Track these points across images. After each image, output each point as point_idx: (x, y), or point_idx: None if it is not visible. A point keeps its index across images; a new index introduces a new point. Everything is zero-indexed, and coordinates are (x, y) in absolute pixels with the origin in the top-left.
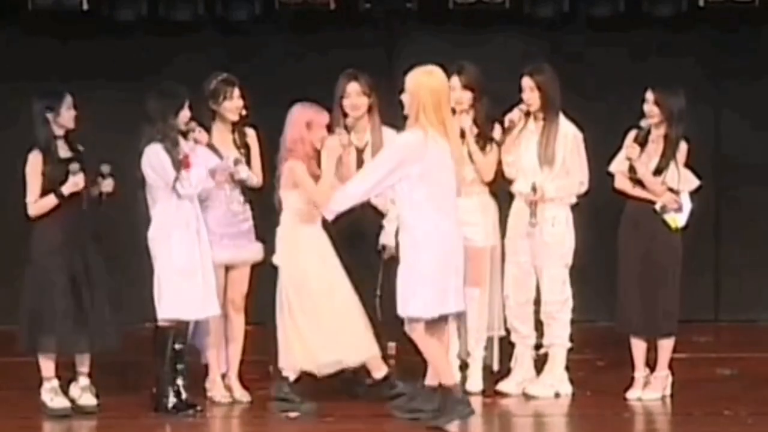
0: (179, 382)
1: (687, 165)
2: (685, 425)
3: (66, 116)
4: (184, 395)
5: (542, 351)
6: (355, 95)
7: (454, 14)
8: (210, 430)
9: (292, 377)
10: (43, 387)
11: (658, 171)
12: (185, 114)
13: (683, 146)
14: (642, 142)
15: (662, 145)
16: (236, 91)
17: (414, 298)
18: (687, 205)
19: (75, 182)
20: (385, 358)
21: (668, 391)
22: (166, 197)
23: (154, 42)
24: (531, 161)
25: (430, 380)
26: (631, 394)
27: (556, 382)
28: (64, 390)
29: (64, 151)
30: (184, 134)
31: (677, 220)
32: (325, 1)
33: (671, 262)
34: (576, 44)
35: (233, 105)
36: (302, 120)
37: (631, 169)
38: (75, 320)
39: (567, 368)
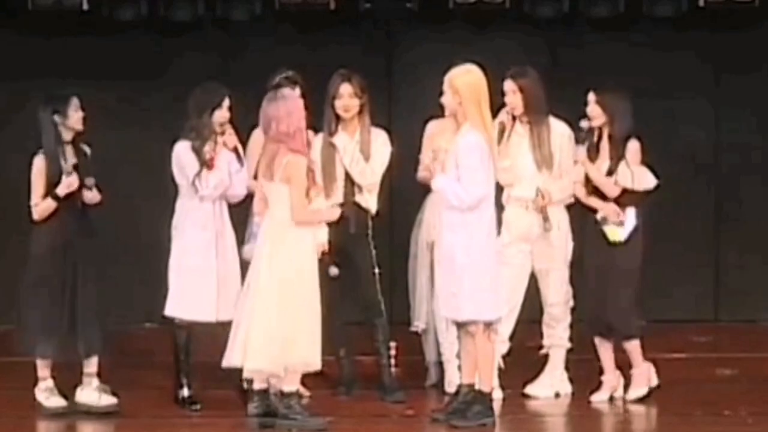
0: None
1: (646, 164)
2: (685, 425)
3: (74, 118)
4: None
5: (542, 352)
6: (347, 96)
7: (454, 14)
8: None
9: (293, 388)
10: (37, 387)
11: (610, 172)
12: (222, 114)
13: (632, 145)
14: (583, 142)
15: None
16: (296, 91)
17: (490, 300)
18: (630, 221)
19: (69, 183)
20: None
21: (654, 382)
22: (189, 195)
23: (154, 42)
24: (527, 165)
25: (467, 380)
26: (597, 397)
27: (556, 382)
28: (60, 389)
29: (70, 156)
30: (222, 134)
31: (617, 233)
32: (325, 1)
33: (630, 265)
34: (576, 44)
35: None
36: (300, 111)
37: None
38: (69, 324)
39: (567, 368)
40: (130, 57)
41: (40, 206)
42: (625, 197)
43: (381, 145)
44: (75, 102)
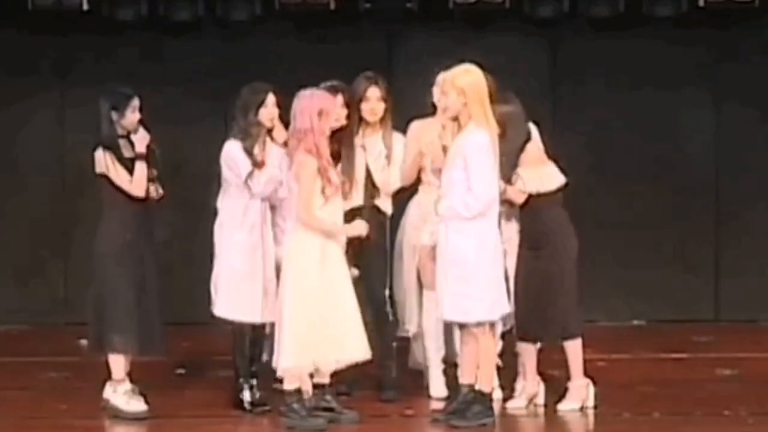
0: (253, 381)
1: (555, 161)
2: (685, 425)
3: (129, 119)
4: (257, 394)
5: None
6: (375, 100)
7: (454, 14)
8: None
9: (294, 387)
10: (114, 390)
11: (510, 179)
12: (269, 111)
13: (529, 147)
14: None
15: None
16: (338, 98)
17: (497, 300)
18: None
19: (141, 136)
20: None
21: (590, 403)
22: (237, 194)
23: (154, 42)
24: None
25: (467, 380)
26: (513, 404)
27: None
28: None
29: (127, 151)
30: (270, 131)
31: None
32: (325, 1)
33: (562, 263)
34: (576, 44)
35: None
36: (313, 109)
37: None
38: (139, 320)
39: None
40: (130, 57)
41: (134, 181)
42: (534, 200)
43: (402, 150)
44: (134, 103)
